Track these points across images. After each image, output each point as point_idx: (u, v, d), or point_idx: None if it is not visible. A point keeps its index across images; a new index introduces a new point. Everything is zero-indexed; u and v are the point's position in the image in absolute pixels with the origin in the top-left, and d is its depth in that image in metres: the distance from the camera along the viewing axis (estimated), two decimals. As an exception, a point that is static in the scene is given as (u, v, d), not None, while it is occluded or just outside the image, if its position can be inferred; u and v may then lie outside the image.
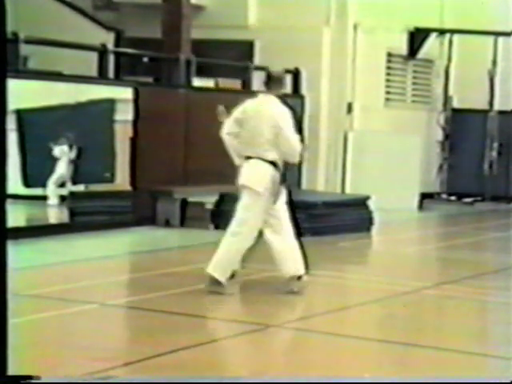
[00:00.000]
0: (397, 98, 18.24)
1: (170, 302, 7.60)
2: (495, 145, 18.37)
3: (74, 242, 11.02)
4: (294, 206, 8.63)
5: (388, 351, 6.47)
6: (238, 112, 8.30)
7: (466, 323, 7.56)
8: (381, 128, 16.58)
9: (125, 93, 12.70)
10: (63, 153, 12.46)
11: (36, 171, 12.08)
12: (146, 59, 15.01)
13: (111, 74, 13.13)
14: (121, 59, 13.69)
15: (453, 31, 18.35)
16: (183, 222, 12.84)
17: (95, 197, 12.69)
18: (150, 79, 14.80)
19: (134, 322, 7.23)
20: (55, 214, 12.40)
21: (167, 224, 12.75)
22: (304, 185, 15.37)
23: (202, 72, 14.81)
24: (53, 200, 12.40)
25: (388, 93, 17.94)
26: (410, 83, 18.56)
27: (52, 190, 12.32)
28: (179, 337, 6.39)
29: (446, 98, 18.79)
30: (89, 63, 12.99)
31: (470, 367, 5.94)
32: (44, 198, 12.42)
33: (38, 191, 12.42)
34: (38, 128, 12.00)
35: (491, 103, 18.42)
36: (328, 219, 12.01)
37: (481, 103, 18.37)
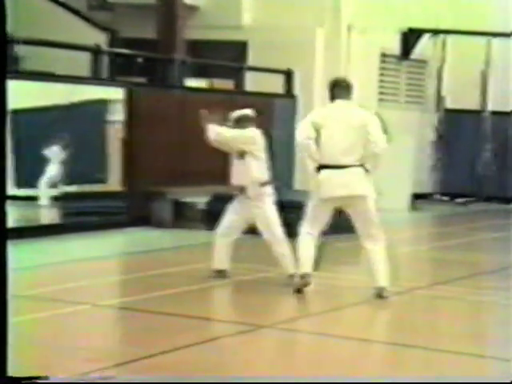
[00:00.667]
0: (390, 98, 18.27)
1: (164, 303, 7.60)
2: (488, 145, 18.41)
3: (66, 243, 11.02)
4: (283, 206, 8.73)
5: (381, 352, 6.47)
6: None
7: (459, 324, 7.57)
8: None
9: (118, 93, 12.69)
10: (56, 153, 12.44)
11: (28, 172, 12.06)
12: (140, 60, 15.01)
13: (105, 74, 13.12)
14: (115, 60, 13.68)
15: (446, 32, 18.39)
16: (176, 223, 12.84)
17: (88, 197, 12.68)
18: (144, 80, 14.80)
19: (126, 323, 7.23)
20: (48, 214, 12.37)
21: (160, 224, 12.75)
22: (296, 185, 15.37)
23: (196, 72, 14.82)
24: (45, 201, 12.38)
25: (381, 93, 17.97)
26: (403, 83, 18.60)
27: (44, 191, 12.29)
28: (172, 337, 6.39)
29: (439, 99, 18.83)
30: (83, 64, 12.98)
31: (464, 368, 5.95)
32: (36, 198, 12.39)
33: (30, 192, 12.40)
34: (31, 129, 11.98)
35: (484, 103, 18.46)
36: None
37: (474, 104, 18.40)
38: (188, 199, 12.99)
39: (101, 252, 10.53)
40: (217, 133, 8.44)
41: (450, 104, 18.82)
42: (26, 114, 11.60)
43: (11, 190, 11.55)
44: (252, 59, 16.55)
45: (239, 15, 16.72)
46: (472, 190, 18.38)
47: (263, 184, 8.51)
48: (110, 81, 13.19)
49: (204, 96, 14.26)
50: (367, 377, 5.57)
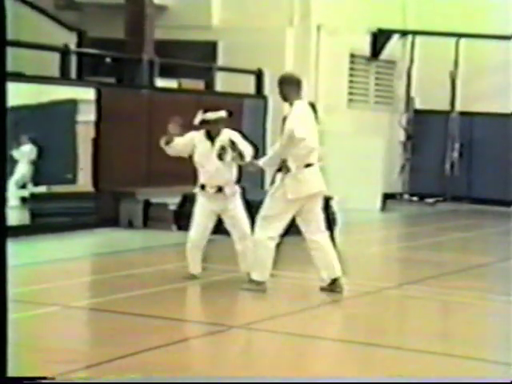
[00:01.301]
0: (360, 98, 18.34)
1: (133, 304, 7.57)
2: (456, 145, 18.54)
3: (35, 244, 10.94)
4: (249, 205, 8.76)
5: (350, 351, 6.49)
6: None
7: (428, 323, 7.61)
8: (344, 129, 16.65)
9: (87, 93, 12.63)
10: (24, 154, 12.36)
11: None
12: (108, 60, 14.94)
13: (73, 74, 13.04)
14: (83, 60, 13.61)
15: (415, 32, 18.50)
16: (146, 223, 12.80)
17: (57, 198, 12.61)
18: (112, 80, 14.73)
19: (96, 324, 7.20)
20: (16, 215, 12.28)
21: (130, 225, 12.70)
22: (267, 185, 15.38)
23: (165, 72, 14.78)
24: (13, 201, 12.29)
25: (351, 94, 18.04)
26: (372, 84, 18.68)
27: (13, 192, 12.20)
28: (142, 338, 6.37)
29: (408, 99, 18.94)
30: (51, 64, 12.90)
31: (433, 367, 5.98)
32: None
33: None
34: (-1, 129, 11.88)
35: (452, 104, 18.59)
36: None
37: (442, 104, 18.52)
38: (158, 200, 12.95)
39: (70, 253, 10.46)
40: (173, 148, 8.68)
41: (418, 105, 18.93)
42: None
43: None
44: (222, 59, 16.54)
45: (209, 15, 16.70)
46: (440, 190, 18.50)
47: (236, 182, 8.61)
48: (79, 81, 13.13)
49: (173, 96, 14.23)
50: (339, 377, 5.58)
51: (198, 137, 8.65)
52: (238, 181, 8.77)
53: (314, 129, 8.07)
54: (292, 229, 8.32)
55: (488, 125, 18.24)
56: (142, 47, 14.08)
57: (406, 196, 18.88)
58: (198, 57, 16.48)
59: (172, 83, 15.23)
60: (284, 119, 8.03)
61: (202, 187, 8.60)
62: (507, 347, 6.38)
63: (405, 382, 5.45)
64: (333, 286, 8.16)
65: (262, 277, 8.10)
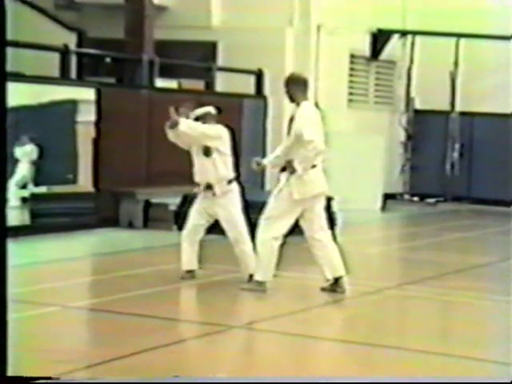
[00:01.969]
0: (360, 99, 18.34)
1: (133, 304, 7.57)
2: (457, 146, 18.53)
3: (35, 244, 10.94)
4: (248, 205, 8.77)
5: (351, 351, 6.49)
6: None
7: (428, 323, 7.61)
8: (344, 129, 16.64)
9: (87, 94, 12.63)
10: (25, 154, 12.37)
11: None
12: (108, 60, 14.94)
13: (73, 74, 13.04)
14: (83, 60, 13.61)
15: (415, 33, 18.49)
16: (146, 224, 12.79)
17: (57, 198, 12.61)
18: (112, 80, 14.73)
19: (96, 324, 7.20)
20: (17, 215, 12.29)
21: (130, 225, 12.70)
22: (267, 186, 15.39)
23: (165, 73, 14.78)
24: (14, 201, 12.30)
25: (351, 94, 18.03)
26: (372, 84, 18.67)
27: (13, 192, 12.21)
28: (142, 339, 6.37)
29: (408, 99, 18.93)
30: (51, 64, 12.90)
31: (433, 367, 5.98)
32: (5, 199, 12.30)
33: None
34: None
35: (453, 104, 18.58)
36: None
37: (442, 104, 18.52)
38: (158, 200, 12.95)
39: (70, 253, 10.46)
40: (188, 126, 8.36)
41: (418, 105, 18.92)
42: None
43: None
44: (222, 60, 16.54)
45: (209, 15, 16.70)
46: (441, 191, 18.50)
47: (229, 181, 8.54)
48: (79, 81, 13.13)
49: (173, 96, 14.22)
50: (339, 377, 5.58)
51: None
52: (239, 181, 8.73)
53: (320, 129, 8.07)
54: (295, 229, 8.32)
55: (488, 125, 18.24)
56: (142, 47, 14.09)
57: (407, 196, 18.87)
58: (198, 57, 16.48)
59: (172, 83, 15.24)
60: (291, 119, 8.02)
61: (198, 185, 8.65)
62: (507, 347, 6.38)
63: (405, 382, 5.45)
64: (335, 286, 8.16)
65: (264, 277, 8.09)
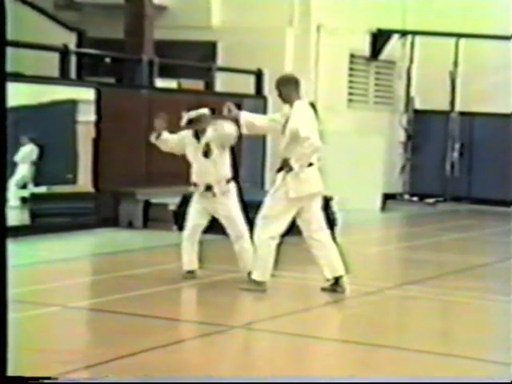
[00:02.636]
0: (359, 99, 18.34)
1: (133, 304, 7.57)
2: (456, 145, 18.53)
3: (35, 244, 10.94)
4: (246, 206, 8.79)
5: (350, 351, 6.49)
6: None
7: (428, 323, 7.61)
8: (344, 129, 16.64)
9: (87, 93, 12.62)
10: (25, 154, 12.36)
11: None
12: (108, 60, 14.94)
13: (73, 74, 13.04)
14: (83, 60, 13.60)
15: (415, 32, 18.49)
16: (146, 224, 12.79)
17: (57, 198, 12.61)
18: (112, 80, 14.73)
19: (96, 325, 7.19)
20: (17, 215, 12.28)
21: (130, 225, 12.70)
22: (267, 185, 15.38)
23: (165, 73, 14.78)
24: (14, 202, 12.30)
25: (351, 94, 18.03)
26: (372, 84, 18.67)
27: (13, 192, 12.21)
28: (142, 339, 6.37)
29: (408, 99, 18.93)
30: (51, 64, 12.89)
31: (433, 367, 5.98)
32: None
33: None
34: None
35: (452, 104, 18.58)
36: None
37: (442, 104, 18.51)
38: (158, 200, 12.95)
39: (70, 253, 10.46)
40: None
41: (418, 105, 18.92)
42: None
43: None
44: (221, 60, 16.53)
45: (208, 16, 16.69)
46: (441, 191, 18.50)
47: (228, 181, 8.56)
48: (79, 81, 13.12)
49: (173, 96, 14.23)
50: (339, 377, 5.58)
51: (188, 136, 8.69)
52: (237, 181, 8.76)
53: (314, 127, 8.07)
54: (292, 229, 8.32)
55: (488, 125, 18.23)
56: (142, 47, 14.09)
57: (407, 196, 18.87)
58: (198, 57, 16.48)
59: (172, 83, 15.24)
60: (286, 120, 8.03)
61: (195, 185, 8.62)
62: (507, 347, 6.38)
63: (405, 382, 5.45)
64: (335, 286, 8.16)
65: (262, 277, 8.09)
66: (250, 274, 8.29)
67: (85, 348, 6.40)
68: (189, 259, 8.66)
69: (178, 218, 12.52)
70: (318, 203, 8.18)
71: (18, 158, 12.25)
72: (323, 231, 8.17)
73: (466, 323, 7.54)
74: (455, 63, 18.31)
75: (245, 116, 8.22)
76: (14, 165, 12.15)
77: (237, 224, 8.56)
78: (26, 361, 5.54)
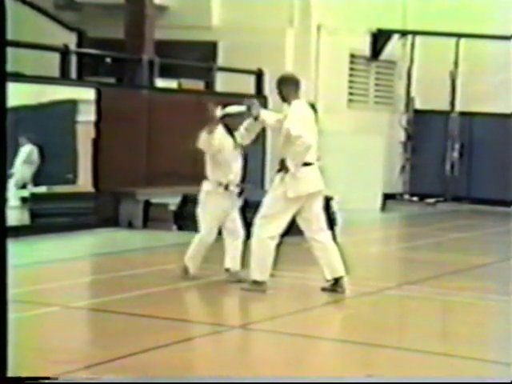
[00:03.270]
0: (360, 99, 18.34)
1: (133, 304, 7.57)
2: (456, 146, 18.53)
3: (35, 245, 10.94)
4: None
5: (350, 351, 6.49)
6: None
7: (428, 323, 7.60)
8: (344, 129, 16.65)
9: (87, 93, 12.62)
10: (25, 154, 12.36)
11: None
12: (108, 60, 14.94)
13: (73, 74, 13.04)
14: (83, 60, 13.61)
15: (415, 33, 18.49)
16: (146, 224, 12.79)
17: (57, 198, 12.60)
18: (112, 80, 14.73)
19: (96, 324, 7.20)
20: (16, 215, 12.28)
21: (130, 225, 12.70)
22: (267, 185, 15.38)
23: (165, 73, 14.78)
24: (14, 202, 12.29)
25: (351, 94, 18.03)
26: (372, 84, 18.67)
27: (13, 192, 12.21)
28: (142, 338, 6.37)
29: (409, 99, 18.93)
30: (51, 64, 12.90)
31: (433, 367, 5.98)
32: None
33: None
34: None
35: (453, 104, 18.58)
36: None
37: (442, 104, 18.51)
38: (158, 200, 12.95)
39: (70, 253, 10.47)
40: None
41: (418, 105, 18.92)
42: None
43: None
44: (222, 60, 16.53)
45: (209, 16, 16.70)
46: (441, 191, 18.50)
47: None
48: (79, 81, 13.13)
49: (173, 96, 14.24)
50: (339, 377, 5.58)
51: (222, 133, 8.49)
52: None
53: (312, 128, 8.08)
54: (292, 229, 8.32)
55: (488, 125, 18.23)
56: (142, 47, 14.08)
57: (406, 196, 18.87)
58: (198, 57, 16.48)
59: (172, 83, 15.23)
60: (284, 119, 8.06)
61: (226, 187, 8.51)
62: (507, 347, 6.38)
63: (405, 382, 5.45)
64: (335, 286, 8.17)
65: (262, 277, 8.09)
66: (227, 270, 8.47)
67: (85, 348, 6.40)
68: (197, 264, 8.70)
69: (178, 218, 12.54)
70: (318, 203, 8.18)
71: (18, 157, 12.25)
72: (324, 232, 8.18)
73: (466, 323, 7.54)
74: (455, 63, 18.31)
75: (263, 113, 8.35)
76: (14, 165, 12.15)
77: (237, 222, 8.60)
78: (26, 361, 5.55)
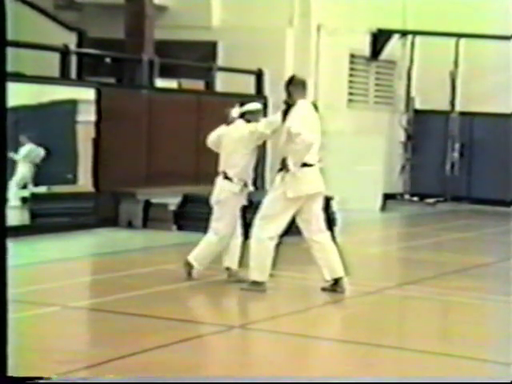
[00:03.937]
0: (359, 98, 18.34)
1: (134, 304, 7.57)
2: (457, 146, 18.53)
3: (35, 244, 10.94)
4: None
5: (350, 351, 6.49)
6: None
7: (428, 323, 7.61)
8: (344, 129, 16.65)
9: (87, 93, 12.62)
10: (25, 154, 12.36)
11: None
12: (108, 60, 14.93)
13: (73, 74, 13.04)
14: (83, 60, 13.60)
15: (415, 32, 18.49)
16: (146, 224, 12.79)
17: (57, 198, 12.60)
18: (112, 80, 14.73)
19: (96, 324, 7.20)
20: (17, 215, 12.28)
21: (130, 225, 12.70)
22: (268, 185, 15.38)
23: (165, 73, 14.78)
24: (14, 201, 12.29)
25: (351, 94, 18.03)
26: (372, 84, 18.67)
27: (14, 192, 12.20)
28: (143, 339, 6.37)
29: (408, 99, 18.93)
30: (51, 64, 12.89)
31: (433, 367, 5.98)
32: (5, 199, 12.28)
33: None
34: None
35: (453, 104, 18.58)
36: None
37: (442, 104, 18.51)
38: (158, 200, 12.95)
39: (70, 253, 10.46)
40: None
41: (418, 105, 18.92)
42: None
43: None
44: (222, 60, 16.53)
45: (209, 16, 16.69)
46: (441, 191, 18.50)
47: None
48: (79, 81, 13.12)
49: (173, 96, 14.23)
50: (339, 377, 5.58)
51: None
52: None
53: (315, 127, 8.09)
54: (292, 229, 8.32)
55: (488, 125, 18.24)
56: (142, 47, 14.08)
57: (407, 196, 18.87)
58: (198, 57, 16.47)
59: (172, 83, 15.23)
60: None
61: (245, 184, 8.54)
62: (507, 347, 6.38)
63: (405, 382, 5.45)
64: (335, 287, 8.17)
65: (261, 277, 8.10)
66: (227, 269, 8.49)
67: (85, 348, 6.40)
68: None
69: (178, 218, 12.54)
70: (318, 204, 8.18)
71: (18, 157, 12.25)
72: (323, 233, 8.18)
73: (466, 323, 7.54)
74: (455, 63, 18.31)
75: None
76: (15, 164, 12.14)
77: (238, 221, 8.64)
78: (26, 361, 5.55)
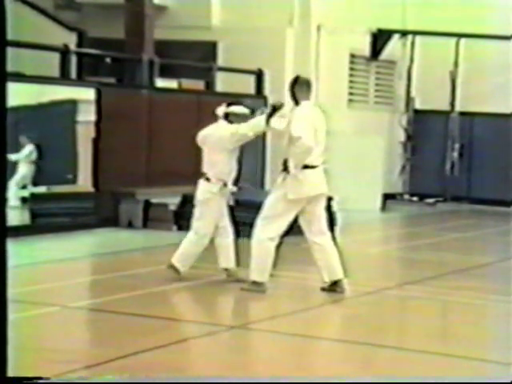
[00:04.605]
0: (360, 99, 18.33)
1: (133, 304, 7.57)
2: (457, 146, 18.53)
3: (35, 244, 10.94)
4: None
5: (350, 351, 6.49)
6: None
7: (428, 323, 7.61)
8: (344, 129, 16.64)
9: (87, 93, 12.62)
10: (25, 154, 12.36)
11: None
12: (108, 60, 14.93)
13: (73, 74, 13.04)
14: (83, 60, 13.60)
15: (415, 32, 18.49)
16: (146, 224, 12.79)
17: (57, 198, 12.60)
18: (112, 80, 14.73)
19: (96, 324, 7.20)
20: (16, 215, 12.28)
21: (130, 225, 12.70)
22: (267, 185, 15.38)
23: (165, 73, 14.78)
24: (14, 201, 12.29)
25: (351, 94, 18.03)
26: (372, 84, 18.67)
27: (13, 192, 12.21)
28: (142, 339, 6.37)
29: (409, 99, 18.92)
30: (51, 64, 12.89)
31: (433, 367, 5.98)
32: (5, 199, 12.28)
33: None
34: None
35: (453, 104, 18.58)
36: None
37: (442, 104, 18.51)
38: (158, 200, 12.95)
39: (70, 253, 10.46)
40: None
41: (419, 105, 18.92)
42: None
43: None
44: (222, 60, 16.53)
45: (209, 16, 16.69)
46: (440, 191, 18.50)
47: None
48: (79, 81, 13.12)
49: (173, 96, 14.23)
50: (339, 377, 5.58)
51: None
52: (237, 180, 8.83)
53: (319, 128, 8.09)
54: (292, 229, 8.32)
55: (488, 125, 18.23)
56: (142, 47, 14.08)
57: (406, 196, 18.87)
58: (198, 57, 16.47)
59: (172, 83, 15.23)
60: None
61: (225, 185, 8.57)
62: (507, 347, 6.39)
63: (405, 382, 5.45)
64: (334, 287, 8.18)
65: (261, 277, 8.10)
66: (226, 269, 8.54)
67: (86, 348, 6.40)
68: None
69: (178, 218, 12.53)
70: (321, 206, 8.19)
71: (18, 157, 12.24)
72: (324, 235, 8.18)
73: (466, 323, 7.54)
74: (455, 63, 18.31)
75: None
76: (15, 164, 12.14)
77: (228, 220, 8.69)
78: (26, 361, 5.55)
